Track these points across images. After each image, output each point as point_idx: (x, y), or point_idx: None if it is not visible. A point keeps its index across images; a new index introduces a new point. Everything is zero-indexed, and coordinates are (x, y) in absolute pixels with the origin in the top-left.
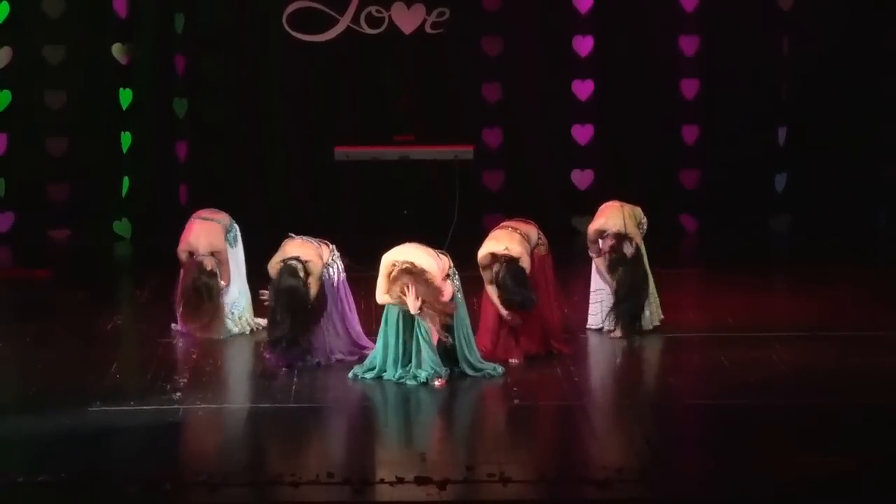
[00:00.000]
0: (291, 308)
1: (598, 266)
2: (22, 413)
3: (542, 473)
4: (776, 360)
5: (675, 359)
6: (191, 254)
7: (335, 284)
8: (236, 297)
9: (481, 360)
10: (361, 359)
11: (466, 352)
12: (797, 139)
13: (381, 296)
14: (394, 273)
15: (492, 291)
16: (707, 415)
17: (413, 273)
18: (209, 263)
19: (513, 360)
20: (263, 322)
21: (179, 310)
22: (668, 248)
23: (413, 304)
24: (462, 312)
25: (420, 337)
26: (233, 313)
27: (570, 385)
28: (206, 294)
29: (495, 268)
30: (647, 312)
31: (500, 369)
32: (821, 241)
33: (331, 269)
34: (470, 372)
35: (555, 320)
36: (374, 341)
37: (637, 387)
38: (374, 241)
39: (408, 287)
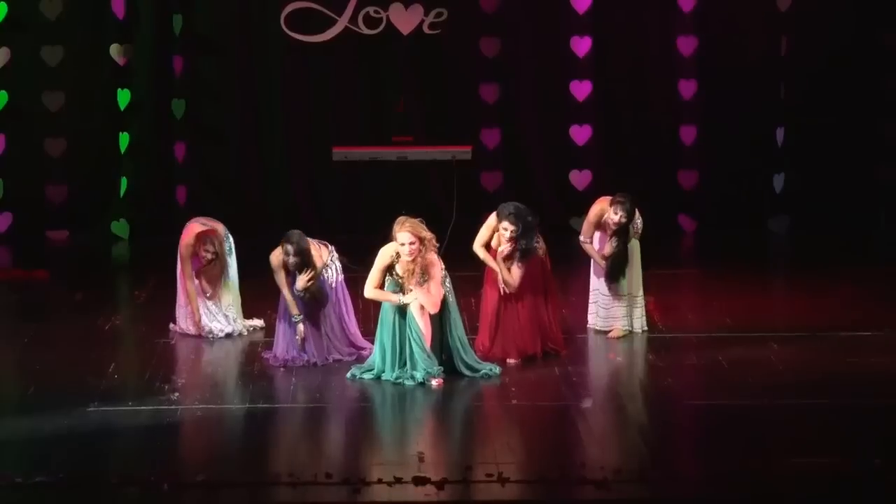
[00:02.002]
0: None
1: (590, 252)
2: (20, 413)
3: (541, 474)
4: (774, 360)
5: (673, 359)
6: (193, 245)
7: (333, 286)
8: (230, 303)
9: (478, 360)
10: (359, 359)
11: (462, 353)
12: (795, 140)
13: (371, 290)
14: (416, 240)
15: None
16: (705, 415)
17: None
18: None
19: (510, 361)
20: (259, 323)
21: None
22: (665, 249)
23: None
24: (455, 314)
25: (412, 339)
26: (226, 315)
27: (568, 385)
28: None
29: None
30: (636, 315)
31: (497, 370)
32: (819, 241)
33: (328, 271)
34: (467, 373)
35: (552, 321)
36: (372, 342)
37: (635, 387)
38: (371, 242)
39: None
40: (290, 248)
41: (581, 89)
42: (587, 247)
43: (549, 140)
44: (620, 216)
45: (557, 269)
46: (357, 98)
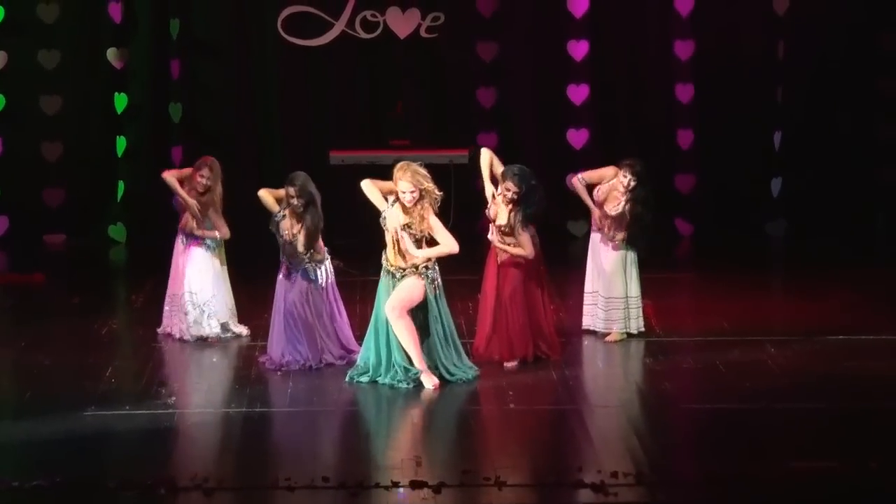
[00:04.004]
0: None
1: (579, 191)
2: (17, 417)
3: (538, 477)
4: (771, 364)
5: (671, 363)
6: (190, 174)
7: (324, 285)
8: (209, 299)
9: (458, 363)
10: (350, 363)
11: (441, 353)
12: (793, 143)
13: (368, 183)
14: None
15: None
16: (702, 419)
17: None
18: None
19: (508, 364)
20: (244, 331)
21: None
22: (663, 253)
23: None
24: (436, 312)
25: (390, 344)
26: (203, 311)
27: (565, 389)
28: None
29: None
30: (632, 316)
31: (471, 374)
32: (817, 245)
33: (319, 270)
34: (445, 375)
35: (546, 324)
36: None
37: (632, 391)
38: (368, 246)
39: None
40: (292, 189)
41: (578, 93)
42: (578, 186)
43: (547, 144)
44: (629, 179)
45: (555, 272)
46: (354, 102)
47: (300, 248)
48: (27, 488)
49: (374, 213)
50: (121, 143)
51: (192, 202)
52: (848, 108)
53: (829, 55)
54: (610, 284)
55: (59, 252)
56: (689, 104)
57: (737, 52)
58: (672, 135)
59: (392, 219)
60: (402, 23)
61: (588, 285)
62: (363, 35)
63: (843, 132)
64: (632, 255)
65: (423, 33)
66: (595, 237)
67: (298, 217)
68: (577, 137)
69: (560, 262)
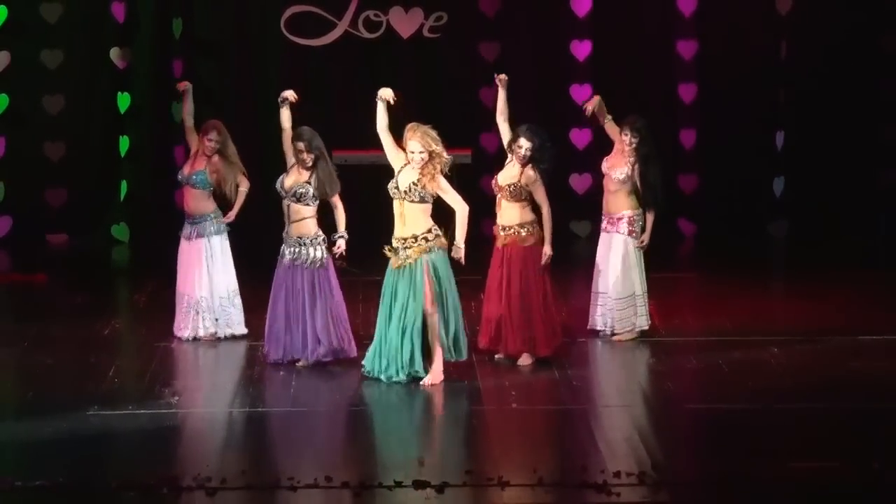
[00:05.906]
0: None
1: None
2: (20, 417)
3: (541, 477)
4: (774, 364)
5: (674, 363)
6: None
7: (318, 266)
8: (206, 296)
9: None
10: (331, 360)
11: (442, 330)
12: (795, 144)
13: (383, 121)
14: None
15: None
16: (705, 419)
17: (433, 157)
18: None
19: (522, 362)
20: (238, 331)
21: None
22: (665, 253)
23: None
24: (440, 291)
25: (398, 335)
26: (198, 312)
27: (568, 389)
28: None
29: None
30: (640, 313)
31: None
32: (819, 245)
33: (319, 251)
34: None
35: (544, 321)
36: (366, 342)
37: (635, 391)
38: (371, 246)
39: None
40: (301, 145)
41: (581, 93)
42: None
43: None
44: (631, 137)
45: (558, 272)
46: (357, 102)
47: (321, 189)
48: (30, 488)
49: (376, 213)
50: (123, 143)
51: (189, 108)
52: (850, 108)
53: (831, 56)
54: (621, 285)
55: (61, 252)
56: (691, 104)
57: (739, 53)
58: (675, 135)
59: (403, 181)
60: (405, 23)
61: (597, 285)
62: (366, 35)
63: (844, 133)
64: (639, 253)
65: (425, 33)
66: (606, 237)
67: (308, 169)
68: (580, 137)
69: (563, 262)
